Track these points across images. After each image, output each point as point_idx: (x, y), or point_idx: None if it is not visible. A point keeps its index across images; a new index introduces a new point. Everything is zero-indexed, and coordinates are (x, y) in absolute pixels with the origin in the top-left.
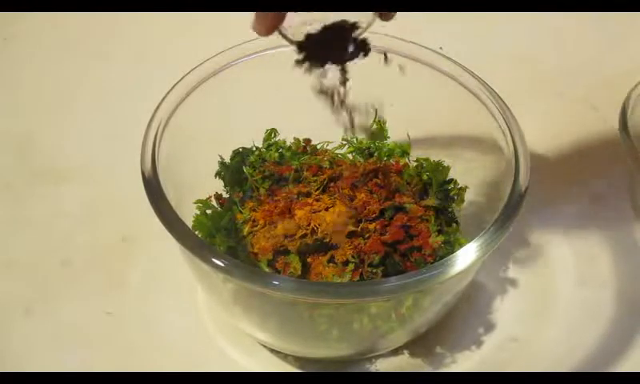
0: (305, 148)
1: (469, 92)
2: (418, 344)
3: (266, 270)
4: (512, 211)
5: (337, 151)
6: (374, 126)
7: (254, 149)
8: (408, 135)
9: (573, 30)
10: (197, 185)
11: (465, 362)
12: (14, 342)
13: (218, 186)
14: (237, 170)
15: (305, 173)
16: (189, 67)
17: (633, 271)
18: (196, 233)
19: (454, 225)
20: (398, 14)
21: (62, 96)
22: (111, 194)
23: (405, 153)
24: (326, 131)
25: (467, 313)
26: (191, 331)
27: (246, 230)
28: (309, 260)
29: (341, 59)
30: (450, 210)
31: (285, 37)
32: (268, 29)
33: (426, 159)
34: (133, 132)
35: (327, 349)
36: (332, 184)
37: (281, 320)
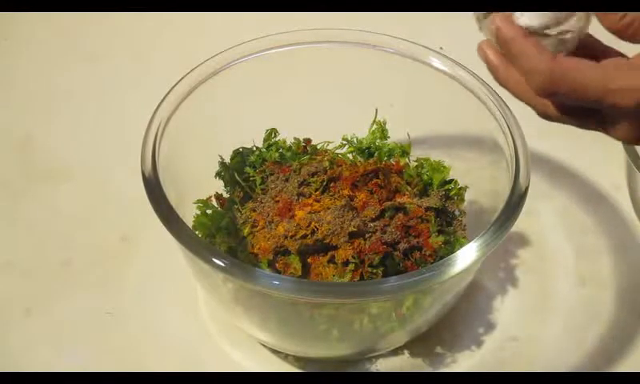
0: (305, 148)
1: (469, 92)
2: (418, 344)
3: (267, 270)
4: (512, 211)
5: (337, 151)
6: (374, 126)
7: (254, 149)
8: (408, 135)
9: None
10: (197, 185)
11: (465, 362)
12: (13, 341)
13: (218, 186)
14: (237, 169)
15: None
16: (189, 67)
17: (633, 271)
18: (196, 233)
19: (456, 225)
20: (398, 14)
21: (61, 96)
22: (111, 194)
23: (405, 153)
24: (326, 131)
25: (467, 313)
26: (191, 331)
27: (247, 230)
28: (309, 260)
29: None
30: (451, 210)
31: None
32: None
33: (426, 159)
34: (133, 132)
35: (327, 349)
36: (332, 184)
37: (281, 320)
